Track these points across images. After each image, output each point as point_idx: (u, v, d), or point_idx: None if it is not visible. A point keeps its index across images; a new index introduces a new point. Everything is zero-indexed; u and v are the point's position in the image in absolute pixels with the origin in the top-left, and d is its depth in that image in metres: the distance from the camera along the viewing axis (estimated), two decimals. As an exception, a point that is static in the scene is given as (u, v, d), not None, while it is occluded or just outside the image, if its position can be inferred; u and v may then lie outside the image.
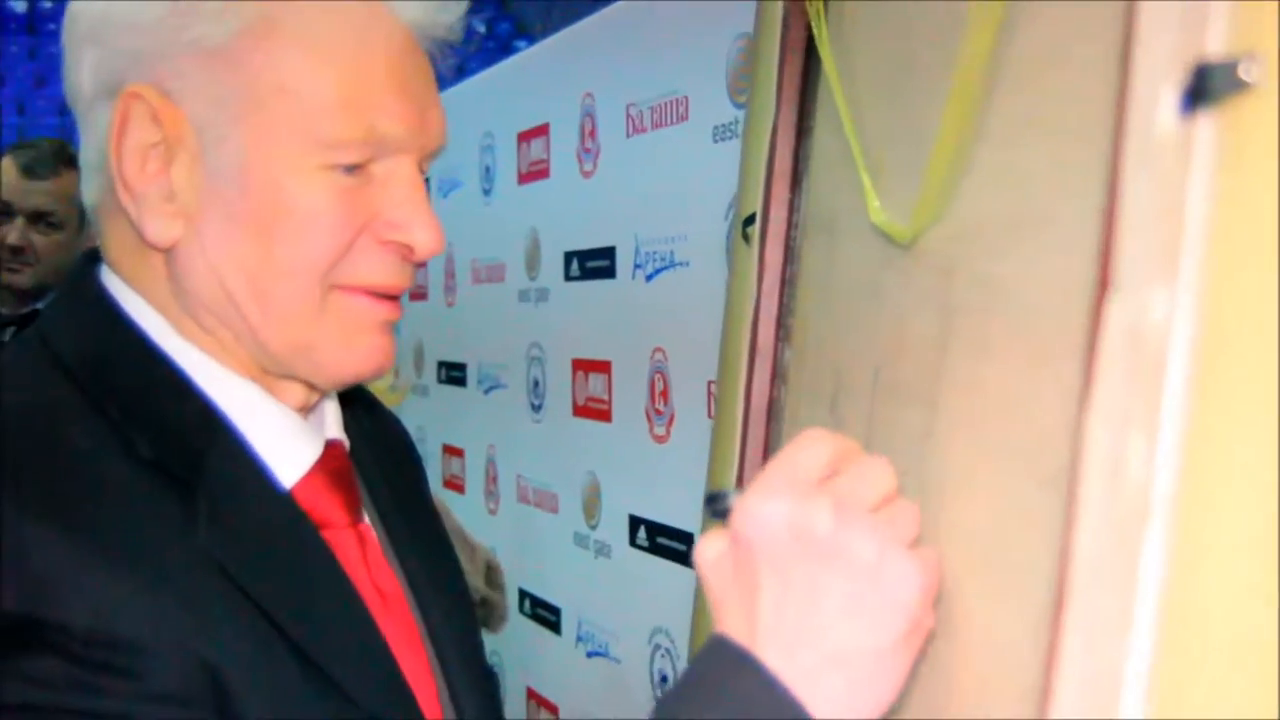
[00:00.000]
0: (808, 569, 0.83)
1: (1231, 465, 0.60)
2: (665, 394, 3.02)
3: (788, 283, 1.48)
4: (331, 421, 1.20)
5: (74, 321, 1.12)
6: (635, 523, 3.18)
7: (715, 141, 2.80)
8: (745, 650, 0.85)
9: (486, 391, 4.10)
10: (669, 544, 3.01)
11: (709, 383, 2.78)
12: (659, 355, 3.05)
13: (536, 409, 3.76)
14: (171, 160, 1.06)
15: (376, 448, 1.29)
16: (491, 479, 4.08)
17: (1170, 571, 0.62)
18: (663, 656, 3.03)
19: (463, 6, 1.16)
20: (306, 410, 1.17)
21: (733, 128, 2.73)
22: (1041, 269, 0.83)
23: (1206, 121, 0.61)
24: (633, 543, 3.19)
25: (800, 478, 0.86)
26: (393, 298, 1.13)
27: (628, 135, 3.21)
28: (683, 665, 2.97)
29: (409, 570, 1.22)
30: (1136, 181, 0.64)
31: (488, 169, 4.07)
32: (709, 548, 0.89)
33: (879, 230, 1.15)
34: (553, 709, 3.63)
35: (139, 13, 1.05)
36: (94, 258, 1.15)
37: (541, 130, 3.71)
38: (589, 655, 3.43)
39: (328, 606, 1.09)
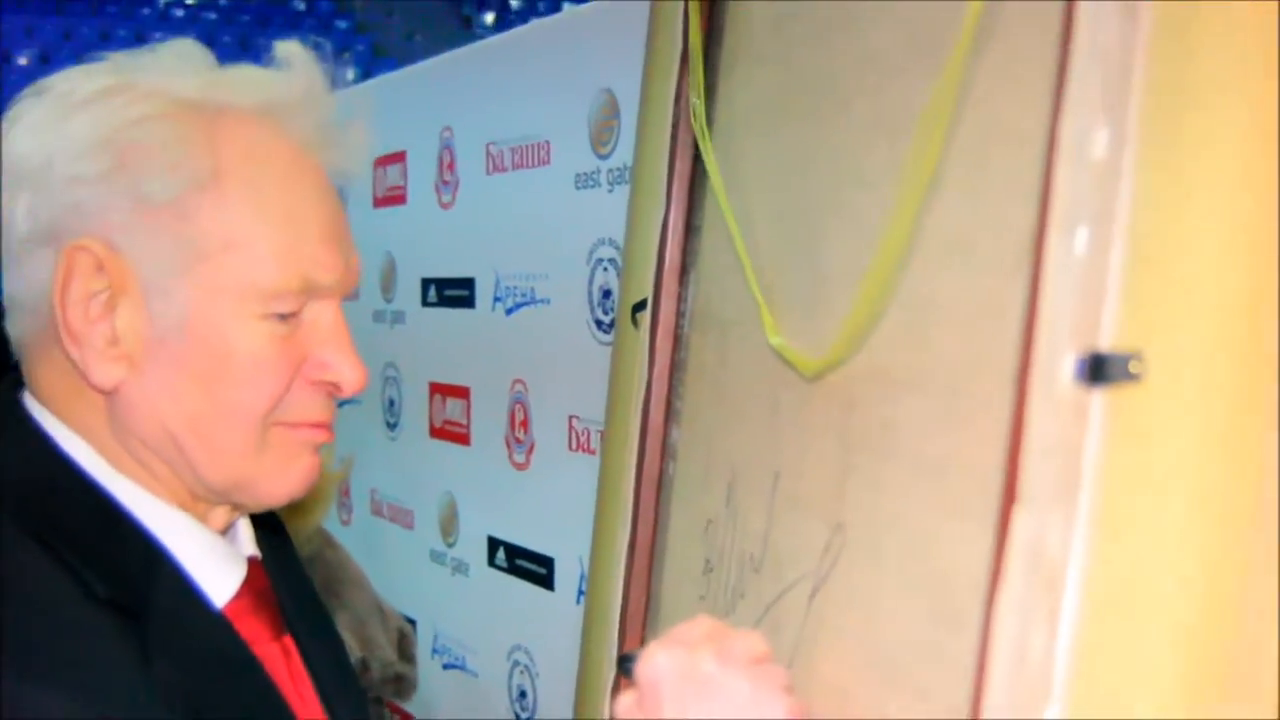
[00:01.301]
0: (699, 704, 1.03)
1: (1125, 661, 0.76)
2: (525, 424, 3.15)
3: (676, 367, 1.62)
4: (245, 539, 1.24)
5: (8, 453, 1.14)
6: (494, 544, 3.30)
7: (578, 189, 2.93)
8: None
9: (340, 405, 4.16)
10: (529, 566, 3.14)
11: (570, 417, 2.92)
12: (519, 386, 3.17)
13: (391, 426, 3.86)
14: (115, 306, 1.07)
15: (278, 555, 1.33)
16: (344, 491, 4.16)
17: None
18: (521, 673, 3.17)
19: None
20: (225, 530, 1.21)
21: (595, 177, 2.86)
22: (944, 429, 0.98)
23: (1101, 392, 0.77)
24: (491, 563, 3.32)
25: (689, 636, 1.07)
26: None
27: (488, 172, 3.32)
28: (542, 683, 3.11)
29: (317, 675, 1.27)
30: (1039, 426, 0.80)
31: (342, 189, 4.13)
32: (623, 699, 1.08)
33: (776, 351, 1.28)
34: (407, 718, 3.73)
35: (83, 164, 1.05)
36: (11, 386, 1.17)
37: (398, 157, 3.79)
38: (445, 667, 3.55)
39: None
